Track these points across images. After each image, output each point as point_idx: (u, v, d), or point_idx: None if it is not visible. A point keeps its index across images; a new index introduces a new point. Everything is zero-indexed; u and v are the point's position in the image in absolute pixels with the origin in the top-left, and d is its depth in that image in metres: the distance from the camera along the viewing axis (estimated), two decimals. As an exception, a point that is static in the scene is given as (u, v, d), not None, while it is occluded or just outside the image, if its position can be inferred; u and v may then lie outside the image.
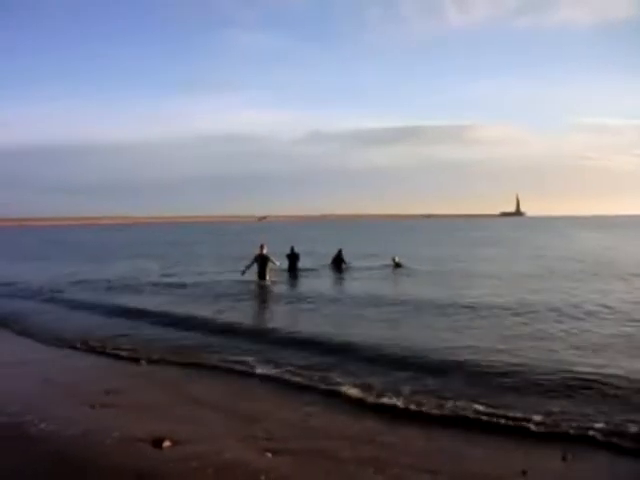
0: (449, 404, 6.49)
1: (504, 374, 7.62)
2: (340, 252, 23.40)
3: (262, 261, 18.16)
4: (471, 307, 13.09)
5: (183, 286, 18.52)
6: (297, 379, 7.71)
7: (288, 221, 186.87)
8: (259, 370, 8.17)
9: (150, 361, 8.83)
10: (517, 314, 12.20)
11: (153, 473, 4.64)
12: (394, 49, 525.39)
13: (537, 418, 5.94)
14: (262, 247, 18.20)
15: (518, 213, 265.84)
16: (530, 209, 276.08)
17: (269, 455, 5.07)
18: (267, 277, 18.23)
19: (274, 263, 18.48)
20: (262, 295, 16.77)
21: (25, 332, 11.49)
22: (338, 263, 23.07)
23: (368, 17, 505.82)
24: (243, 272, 18.00)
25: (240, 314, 13.06)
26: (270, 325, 12.02)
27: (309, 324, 11.62)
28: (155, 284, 19.25)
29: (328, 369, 8.11)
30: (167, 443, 5.24)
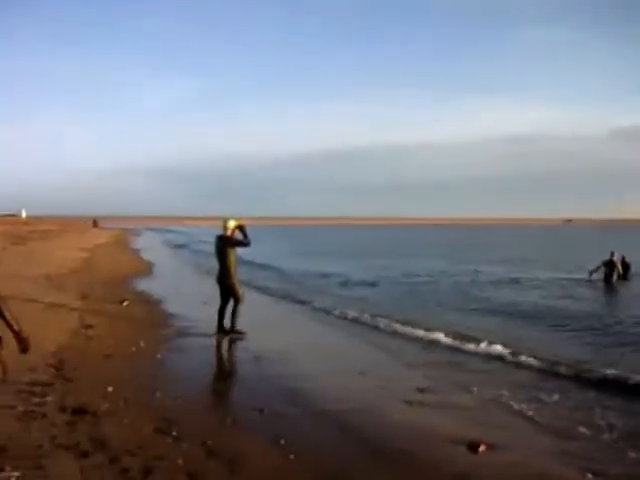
0: None
1: None
2: None
3: (611, 267, 20.03)
4: None
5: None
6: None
7: (595, 225, 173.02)
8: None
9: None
10: None
11: (470, 477, 4.71)
12: None
13: None
14: (612, 254, 20.13)
15: None
16: None
17: (589, 476, 4.77)
18: (612, 281, 19.98)
19: (620, 272, 20.18)
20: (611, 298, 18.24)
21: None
22: None
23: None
24: (590, 274, 20.23)
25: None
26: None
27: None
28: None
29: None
30: (482, 448, 5.26)
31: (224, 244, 10.11)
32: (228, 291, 10.13)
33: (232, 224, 10.08)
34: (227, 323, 10.12)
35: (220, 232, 10.22)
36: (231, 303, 10.14)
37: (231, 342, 9.76)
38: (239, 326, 10.06)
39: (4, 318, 4.16)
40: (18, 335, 4.20)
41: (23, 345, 4.24)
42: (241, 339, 9.88)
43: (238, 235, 10.12)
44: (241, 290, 10.26)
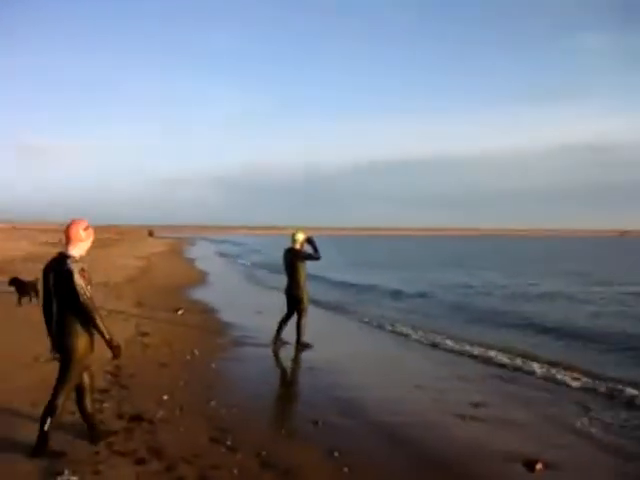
0: None
1: None
2: None
3: None
4: None
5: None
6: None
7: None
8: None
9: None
10: None
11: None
12: None
13: None
14: None
15: None
16: None
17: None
18: None
19: None
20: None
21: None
22: None
23: None
24: None
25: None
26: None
27: None
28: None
29: None
30: (539, 466, 5.11)
31: (293, 257, 10.00)
32: (295, 303, 10.03)
33: (301, 237, 9.94)
34: (284, 335, 10.14)
35: (288, 245, 10.15)
36: (295, 316, 10.04)
37: (288, 353, 9.76)
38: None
39: (97, 328, 4.68)
40: (109, 343, 4.79)
41: (114, 352, 4.89)
42: (306, 351, 9.85)
43: (307, 248, 10.06)
44: (308, 304, 10.14)
